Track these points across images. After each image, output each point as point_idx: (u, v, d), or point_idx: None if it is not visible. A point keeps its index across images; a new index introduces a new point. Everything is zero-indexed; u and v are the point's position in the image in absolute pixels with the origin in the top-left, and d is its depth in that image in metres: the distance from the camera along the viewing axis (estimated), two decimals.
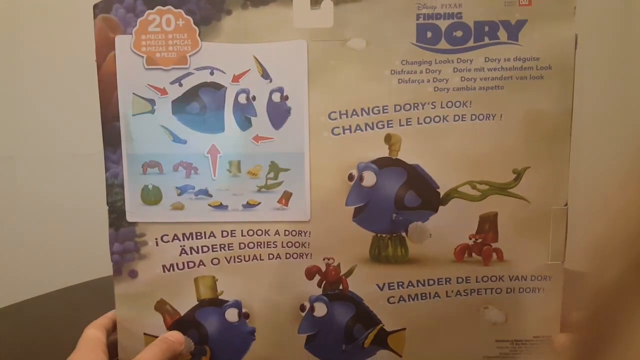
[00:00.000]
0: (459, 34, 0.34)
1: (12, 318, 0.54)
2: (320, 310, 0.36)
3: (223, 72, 0.35)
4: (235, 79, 0.35)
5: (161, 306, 0.37)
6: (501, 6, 0.33)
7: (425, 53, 0.34)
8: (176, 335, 0.36)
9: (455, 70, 0.34)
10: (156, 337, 0.37)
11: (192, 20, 0.34)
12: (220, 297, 0.37)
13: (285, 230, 0.36)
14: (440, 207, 0.35)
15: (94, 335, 0.36)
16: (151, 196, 0.36)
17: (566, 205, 0.34)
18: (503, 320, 0.36)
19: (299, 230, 0.35)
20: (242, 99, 0.35)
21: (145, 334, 0.37)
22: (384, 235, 0.35)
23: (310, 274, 0.36)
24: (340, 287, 0.36)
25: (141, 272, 0.37)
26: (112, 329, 0.37)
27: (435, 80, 0.34)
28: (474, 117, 0.34)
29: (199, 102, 0.35)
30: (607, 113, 0.72)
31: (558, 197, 0.34)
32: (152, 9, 0.34)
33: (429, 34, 0.34)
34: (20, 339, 0.51)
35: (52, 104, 0.70)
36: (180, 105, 0.35)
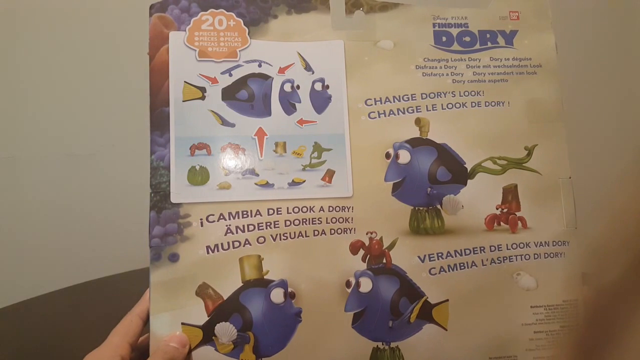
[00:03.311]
0: (467, 39, 0.40)
1: (12, 318, 0.48)
2: (366, 285, 0.36)
3: (270, 64, 0.38)
4: (281, 70, 0.38)
5: (203, 290, 0.34)
6: (497, 19, 0.40)
7: (443, 53, 0.39)
8: (178, 339, 0.33)
9: (468, 66, 0.39)
10: (196, 326, 0.34)
11: (242, 22, 0.38)
12: (265, 277, 0.35)
13: (329, 206, 0.36)
14: (469, 181, 0.37)
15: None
16: (198, 176, 0.35)
17: (570, 177, 0.39)
18: (535, 286, 0.37)
19: (342, 206, 0.36)
20: (287, 87, 0.37)
21: (183, 323, 0.34)
22: (421, 208, 0.37)
23: (354, 248, 0.36)
24: (384, 261, 0.36)
25: (183, 255, 0.34)
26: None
27: (452, 74, 0.39)
28: (487, 103, 0.39)
29: (248, 90, 0.37)
30: (607, 114, 0.77)
31: (563, 170, 0.38)
32: (206, 10, 0.38)
33: (444, 38, 0.40)
34: (20, 339, 0.45)
35: (53, 104, 0.67)
36: (229, 92, 0.37)
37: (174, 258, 0.34)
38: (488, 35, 0.39)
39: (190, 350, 0.33)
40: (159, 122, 0.36)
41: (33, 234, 0.67)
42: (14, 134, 0.66)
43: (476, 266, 0.36)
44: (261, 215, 0.35)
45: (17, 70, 0.67)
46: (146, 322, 0.33)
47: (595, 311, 0.16)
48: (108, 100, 0.67)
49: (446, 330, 0.35)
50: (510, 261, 0.37)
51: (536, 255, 0.37)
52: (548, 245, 0.37)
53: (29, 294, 0.53)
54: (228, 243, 0.35)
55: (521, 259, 0.37)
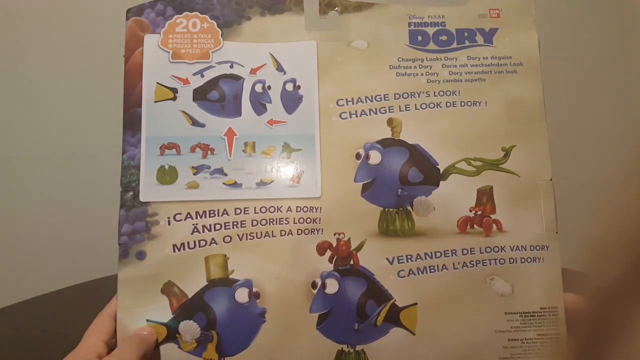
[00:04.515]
0: (444, 38, 0.39)
1: (12, 318, 0.50)
2: (332, 286, 0.35)
3: (242, 65, 0.38)
4: (253, 71, 0.38)
5: (168, 288, 0.34)
6: (476, 17, 0.39)
7: (418, 52, 0.38)
8: (147, 329, 0.33)
9: (444, 66, 0.38)
10: (160, 323, 0.34)
11: (216, 24, 0.38)
12: (230, 277, 0.35)
13: (297, 207, 0.36)
14: (441, 182, 0.37)
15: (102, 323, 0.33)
16: (167, 176, 0.36)
17: (551, 179, 0.37)
18: (510, 292, 0.35)
19: (310, 206, 0.36)
20: (258, 88, 0.38)
21: (148, 320, 0.34)
22: (391, 209, 0.36)
23: (321, 249, 0.35)
24: (351, 263, 0.35)
25: (150, 253, 0.35)
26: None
27: (427, 74, 0.38)
28: (462, 103, 0.38)
29: (219, 91, 0.37)
30: (607, 115, 0.75)
31: (543, 171, 0.37)
32: (181, 13, 0.38)
33: (420, 38, 0.39)
34: (20, 339, 0.46)
35: (53, 104, 0.67)
36: (200, 93, 0.37)
37: (141, 256, 0.34)
38: (466, 34, 0.38)
39: (157, 344, 0.34)
40: (132, 122, 0.36)
41: (33, 234, 0.68)
42: (14, 134, 0.67)
43: (447, 269, 0.35)
44: (228, 215, 0.35)
45: (17, 70, 0.68)
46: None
47: (595, 312, 0.16)
48: (108, 101, 0.68)
49: (414, 334, 0.34)
50: (483, 265, 0.35)
51: (512, 260, 0.35)
52: (525, 250, 0.36)
53: (29, 294, 0.55)
54: (194, 242, 0.35)
55: (495, 263, 0.35)
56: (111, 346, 0.34)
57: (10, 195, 0.68)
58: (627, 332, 0.14)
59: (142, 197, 0.35)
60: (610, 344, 0.14)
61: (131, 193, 0.35)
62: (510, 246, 0.36)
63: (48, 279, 0.57)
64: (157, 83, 0.37)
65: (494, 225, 0.36)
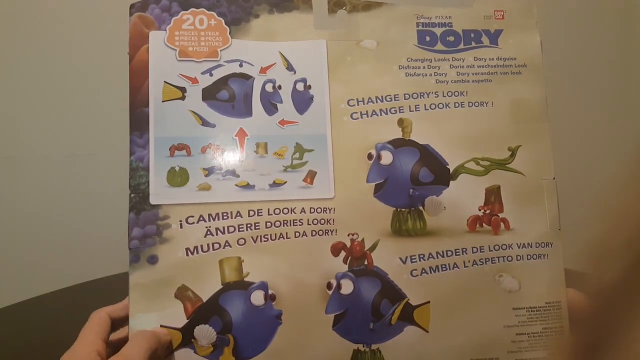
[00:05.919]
0: (451, 38, 0.39)
1: (12, 318, 0.49)
2: (347, 287, 0.35)
3: (251, 64, 0.37)
4: (263, 70, 0.37)
5: (182, 293, 0.34)
6: (481, 19, 0.40)
7: (426, 52, 0.39)
8: (159, 328, 0.33)
9: (452, 66, 0.39)
10: (175, 328, 0.34)
11: (223, 21, 0.37)
12: (245, 279, 0.34)
13: (310, 208, 0.36)
14: (451, 182, 0.37)
15: (98, 319, 0.33)
16: (177, 178, 0.35)
17: (554, 179, 0.38)
18: (517, 288, 0.37)
19: (323, 207, 0.36)
20: (268, 87, 0.37)
21: (162, 326, 0.34)
22: (403, 209, 0.37)
23: (335, 250, 0.36)
24: (365, 263, 0.36)
25: (162, 257, 0.34)
26: (122, 319, 0.34)
27: (436, 74, 0.39)
28: (470, 104, 0.38)
29: (228, 90, 0.37)
30: (608, 115, 0.77)
31: (547, 171, 0.38)
32: (187, 10, 0.37)
33: (428, 38, 0.39)
34: (20, 339, 0.45)
35: (53, 104, 0.66)
36: (210, 92, 0.36)
37: (152, 260, 0.34)
38: (472, 35, 0.39)
39: (172, 349, 0.33)
40: (139, 122, 0.35)
41: (32, 234, 0.66)
42: (14, 134, 0.66)
43: (458, 268, 0.36)
44: (241, 217, 0.35)
45: (17, 70, 0.66)
46: (116, 320, 0.33)
47: (596, 311, 0.16)
48: (108, 100, 0.66)
49: (427, 332, 0.35)
50: (492, 263, 0.36)
51: (519, 257, 0.37)
52: (531, 247, 0.37)
53: (29, 294, 0.53)
54: (208, 245, 0.34)
55: (503, 261, 0.36)
56: (108, 345, 0.33)
57: (11, 195, 0.66)
58: (627, 331, 0.14)
59: (153, 200, 0.34)
60: (611, 343, 0.15)
61: (141, 195, 0.34)
62: (517, 244, 0.37)
63: (48, 278, 0.56)
64: (165, 82, 0.36)
65: (501, 224, 0.37)
